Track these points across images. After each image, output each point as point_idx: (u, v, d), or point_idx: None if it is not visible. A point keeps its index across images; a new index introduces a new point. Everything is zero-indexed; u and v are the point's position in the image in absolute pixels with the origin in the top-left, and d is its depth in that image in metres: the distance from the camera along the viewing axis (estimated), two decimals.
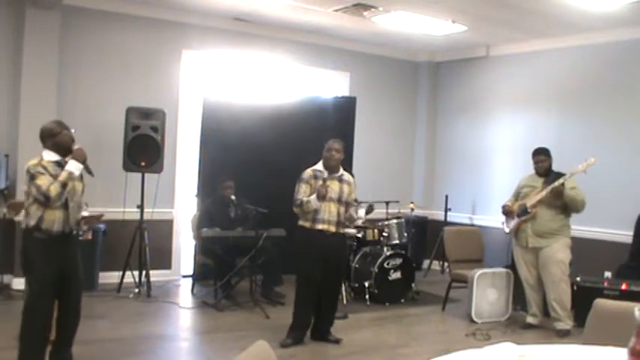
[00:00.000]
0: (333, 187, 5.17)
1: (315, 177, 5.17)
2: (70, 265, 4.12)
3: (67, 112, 6.76)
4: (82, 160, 4.07)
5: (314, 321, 5.30)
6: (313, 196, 5.07)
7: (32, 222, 3.95)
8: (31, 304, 3.96)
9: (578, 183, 5.79)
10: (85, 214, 4.38)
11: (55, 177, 3.94)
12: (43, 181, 3.89)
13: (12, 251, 6.24)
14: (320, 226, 5.11)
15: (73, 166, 4.02)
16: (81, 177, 4.19)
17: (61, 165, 4.03)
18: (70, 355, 4.21)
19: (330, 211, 5.13)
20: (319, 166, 5.25)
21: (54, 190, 3.89)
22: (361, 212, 7.20)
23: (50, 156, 4.03)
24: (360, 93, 8.50)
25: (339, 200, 5.19)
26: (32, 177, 3.91)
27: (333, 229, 5.16)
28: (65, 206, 4.02)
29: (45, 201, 3.89)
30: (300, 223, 5.19)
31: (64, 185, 3.94)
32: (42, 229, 3.95)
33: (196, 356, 5.11)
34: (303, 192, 5.11)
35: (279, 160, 7.07)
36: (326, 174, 5.20)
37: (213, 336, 5.43)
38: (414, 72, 9.51)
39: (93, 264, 6.71)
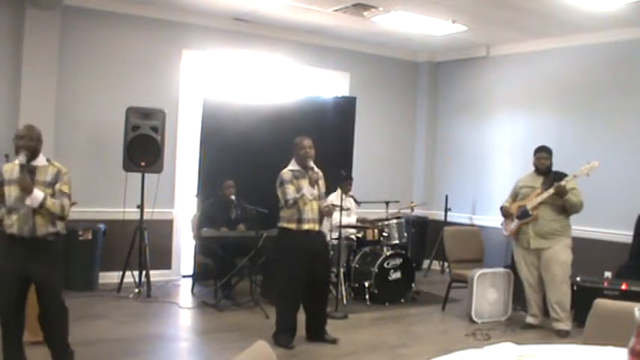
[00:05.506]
0: (310, 185, 5.18)
1: (296, 177, 5.19)
2: (37, 270, 3.93)
3: (67, 112, 6.79)
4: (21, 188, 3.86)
5: (308, 322, 5.31)
6: (305, 189, 5.09)
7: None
8: None
9: (579, 183, 5.78)
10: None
11: (7, 182, 3.90)
12: None
13: None
14: (306, 226, 5.13)
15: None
16: (71, 182, 4.06)
17: (24, 169, 3.89)
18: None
19: (312, 209, 5.18)
20: (293, 165, 5.26)
21: None
22: (351, 204, 7.24)
23: (19, 159, 3.94)
24: (360, 93, 8.49)
25: (319, 197, 5.25)
26: None
27: (317, 227, 5.23)
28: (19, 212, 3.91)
29: None
30: (284, 225, 5.18)
31: None
32: (4, 231, 3.94)
33: (196, 356, 5.11)
34: (292, 191, 5.10)
35: (279, 160, 7.03)
36: (303, 172, 5.22)
37: (213, 336, 5.44)
38: (414, 72, 9.50)
39: (93, 264, 6.72)
